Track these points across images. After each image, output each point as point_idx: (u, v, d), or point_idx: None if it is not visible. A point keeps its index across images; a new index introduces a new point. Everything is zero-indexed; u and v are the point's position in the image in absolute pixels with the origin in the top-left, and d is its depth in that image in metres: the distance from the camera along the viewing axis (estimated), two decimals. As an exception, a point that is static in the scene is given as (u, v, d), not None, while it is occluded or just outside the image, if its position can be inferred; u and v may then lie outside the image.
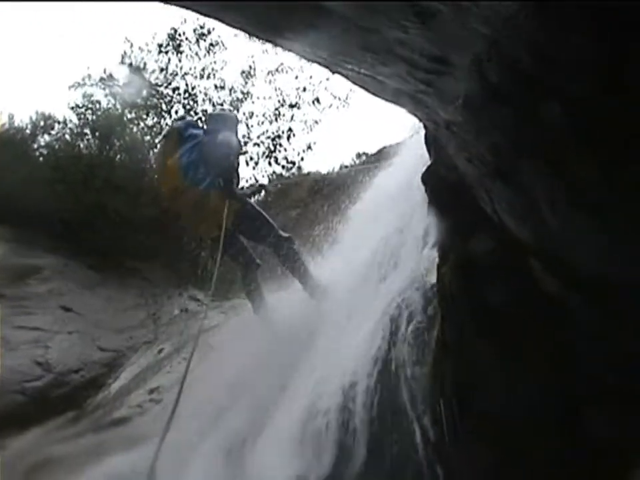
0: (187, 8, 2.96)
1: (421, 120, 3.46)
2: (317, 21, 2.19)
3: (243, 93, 14.49)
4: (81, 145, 12.91)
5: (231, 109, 6.66)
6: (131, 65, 14.12)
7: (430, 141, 3.57)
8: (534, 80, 1.75)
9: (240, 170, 6.21)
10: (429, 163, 3.67)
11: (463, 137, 2.45)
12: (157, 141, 6.18)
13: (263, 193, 7.01)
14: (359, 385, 3.64)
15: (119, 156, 12.58)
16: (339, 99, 14.63)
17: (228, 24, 2.92)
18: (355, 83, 3.30)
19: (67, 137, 13.24)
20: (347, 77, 3.14)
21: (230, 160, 5.66)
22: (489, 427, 2.68)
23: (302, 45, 2.74)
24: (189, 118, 6.41)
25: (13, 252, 10.25)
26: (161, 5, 3.11)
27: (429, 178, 3.58)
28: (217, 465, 4.27)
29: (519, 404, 2.62)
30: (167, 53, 14.19)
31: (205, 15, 3.07)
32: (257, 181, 7.18)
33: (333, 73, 3.19)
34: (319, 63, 3.08)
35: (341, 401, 3.69)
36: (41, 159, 12.68)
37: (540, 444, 2.52)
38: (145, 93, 13.81)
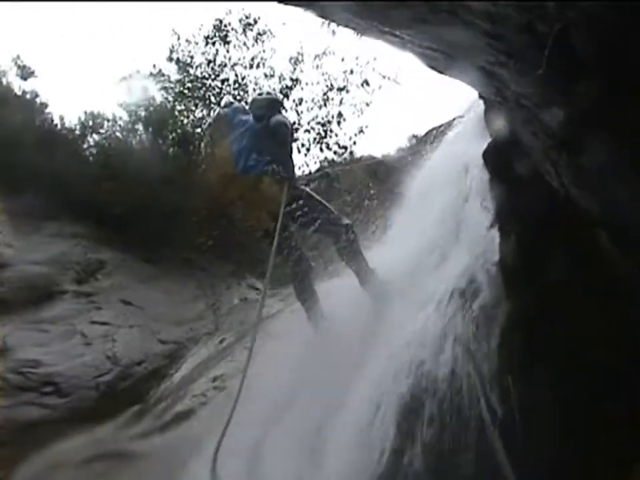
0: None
1: (484, 96, 3.38)
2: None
3: (292, 79, 14.53)
4: (133, 142, 13.09)
5: (272, 92, 6.28)
6: (178, 59, 14.25)
7: (491, 117, 3.51)
8: (620, 49, 1.69)
9: (293, 155, 5.92)
10: (488, 139, 3.59)
11: (533, 109, 2.40)
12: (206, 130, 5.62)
13: (326, 179, 6.37)
14: (427, 364, 3.59)
15: (171, 149, 12.73)
16: (388, 78, 14.39)
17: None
18: (423, 61, 3.20)
19: (118, 133, 13.47)
20: (418, 54, 3.06)
21: (285, 144, 5.47)
22: (558, 403, 2.68)
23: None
24: (236, 104, 5.96)
25: (79, 247, 10.44)
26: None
27: (491, 154, 3.51)
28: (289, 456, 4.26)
29: (582, 382, 2.62)
30: (214, 44, 14.23)
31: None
32: (320, 168, 6.60)
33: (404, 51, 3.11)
34: (392, 43, 3.01)
35: (409, 378, 3.65)
36: (90, 158, 12.87)
37: (603, 420, 2.51)
38: (192, 85, 13.91)
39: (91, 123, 13.50)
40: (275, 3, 3.11)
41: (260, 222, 5.46)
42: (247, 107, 5.76)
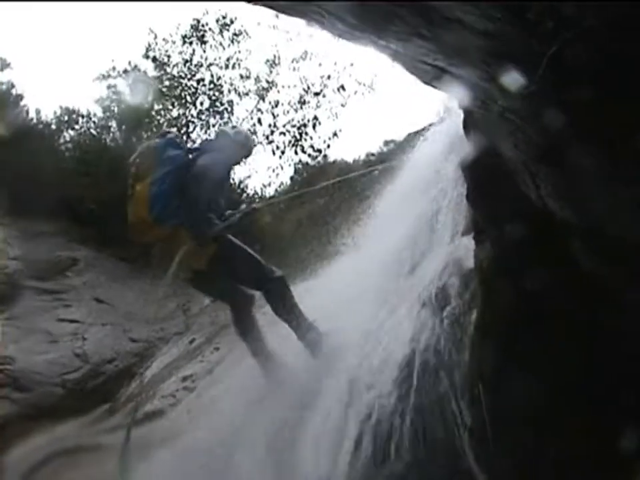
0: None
1: (465, 107, 3.42)
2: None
3: (268, 82, 14.60)
4: (107, 139, 13.03)
5: (239, 127, 5.66)
6: (155, 57, 14.22)
7: (470, 127, 3.54)
8: (612, 60, 1.76)
9: (225, 194, 5.30)
10: (466, 149, 3.64)
11: (517, 122, 2.44)
12: (132, 158, 5.07)
13: (248, 218, 5.34)
14: (400, 369, 3.64)
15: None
16: (364, 84, 14.55)
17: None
18: (411, 72, 3.24)
19: (92, 130, 13.38)
20: (408, 66, 3.10)
21: (202, 193, 4.69)
22: (528, 411, 2.67)
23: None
24: (171, 134, 5.15)
25: (51, 244, 10.38)
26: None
27: (469, 164, 3.54)
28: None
29: (557, 387, 2.61)
30: (190, 44, 14.23)
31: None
32: (248, 202, 5.51)
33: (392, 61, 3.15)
34: (382, 51, 3.03)
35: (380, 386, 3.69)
36: (67, 153, 12.76)
37: (576, 428, 2.52)
38: (169, 84, 13.90)
39: (66, 119, 13.40)
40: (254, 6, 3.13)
41: (181, 273, 4.95)
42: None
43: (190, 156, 4.94)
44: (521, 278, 2.73)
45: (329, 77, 14.56)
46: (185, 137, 13.48)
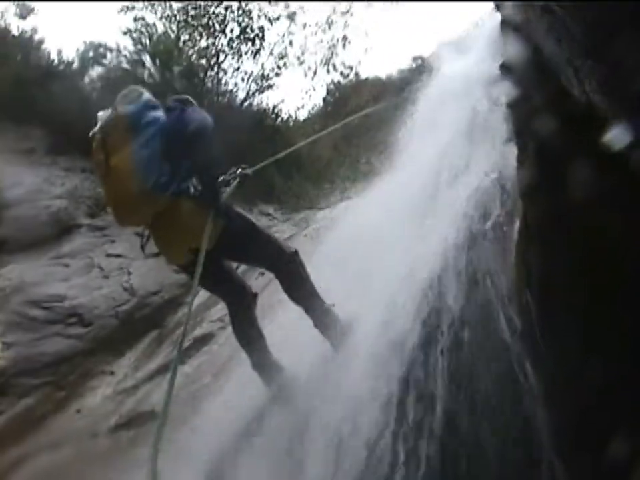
0: None
1: (502, 8, 3.33)
2: None
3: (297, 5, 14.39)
4: (143, 73, 12.96)
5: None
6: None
7: (509, 28, 3.44)
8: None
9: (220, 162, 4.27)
10: (504, 52, 3.55)
11: (561, 16, 2.37)
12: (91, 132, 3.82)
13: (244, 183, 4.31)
14: (444, 280, 3.67)
15: (177, 82, 12.64)
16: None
17: None
18: None
19: (124, 64, 13.29)
20: None
21: (208, 145, 3.85)
22: (578, 313, 2.65)
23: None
24: (145, 95, 3.89)
25: (92, 181, 10.49)
26: None
27: (508, 66, 3.45)
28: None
29: (601, 291, 2.54)
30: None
31: None
32: (237, 168, 4.24)
33: None
34: None
35: (425, 297, 3.73)
36: (93, 92, 12.70)
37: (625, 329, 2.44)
38: (195, 13, 13.64)
39: (91, 54, 13.32)
40: None
41: (174, 259, 4.15)
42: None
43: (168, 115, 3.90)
44: (565, 182, 2.68)
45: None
46: (216, 67, 13.44)
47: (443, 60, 7.47)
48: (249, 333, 4.25)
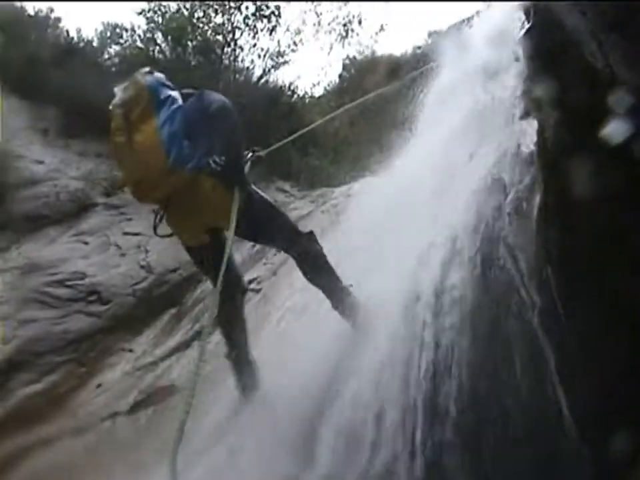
0: None
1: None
2: None
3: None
4: (155, 50, 12.94)
5: None
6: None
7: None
8: None
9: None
10: (526, 25, 3.53)
11: None
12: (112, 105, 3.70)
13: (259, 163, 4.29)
14: (463, 254, 3.68)
15: (193, 59, 12.62)
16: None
17: None
18: None
19: (138, 43, 13.30)
20: None
21: (233, 122, 3.89)
22: (598, 289, 2.65)
23: None
24: (156, 74, 3.88)
25: (103, 164, 10.52)
26: None
27: (530, 38, 3.42)
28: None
29: (624, 267, 2.57)
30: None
31: None
32: (250, 150, 4.21)
33: None
34: None
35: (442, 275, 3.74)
36: (113, 68, 12.74)
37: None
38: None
39: (109, 34, 13.38)
40: None
41: (191, 239, 4.04)
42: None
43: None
44: (587, 155, 2.67)
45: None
46: (232, 44, 13.37)
47: (457, 39, 7.41)
48: (232, 324, 4.25)
